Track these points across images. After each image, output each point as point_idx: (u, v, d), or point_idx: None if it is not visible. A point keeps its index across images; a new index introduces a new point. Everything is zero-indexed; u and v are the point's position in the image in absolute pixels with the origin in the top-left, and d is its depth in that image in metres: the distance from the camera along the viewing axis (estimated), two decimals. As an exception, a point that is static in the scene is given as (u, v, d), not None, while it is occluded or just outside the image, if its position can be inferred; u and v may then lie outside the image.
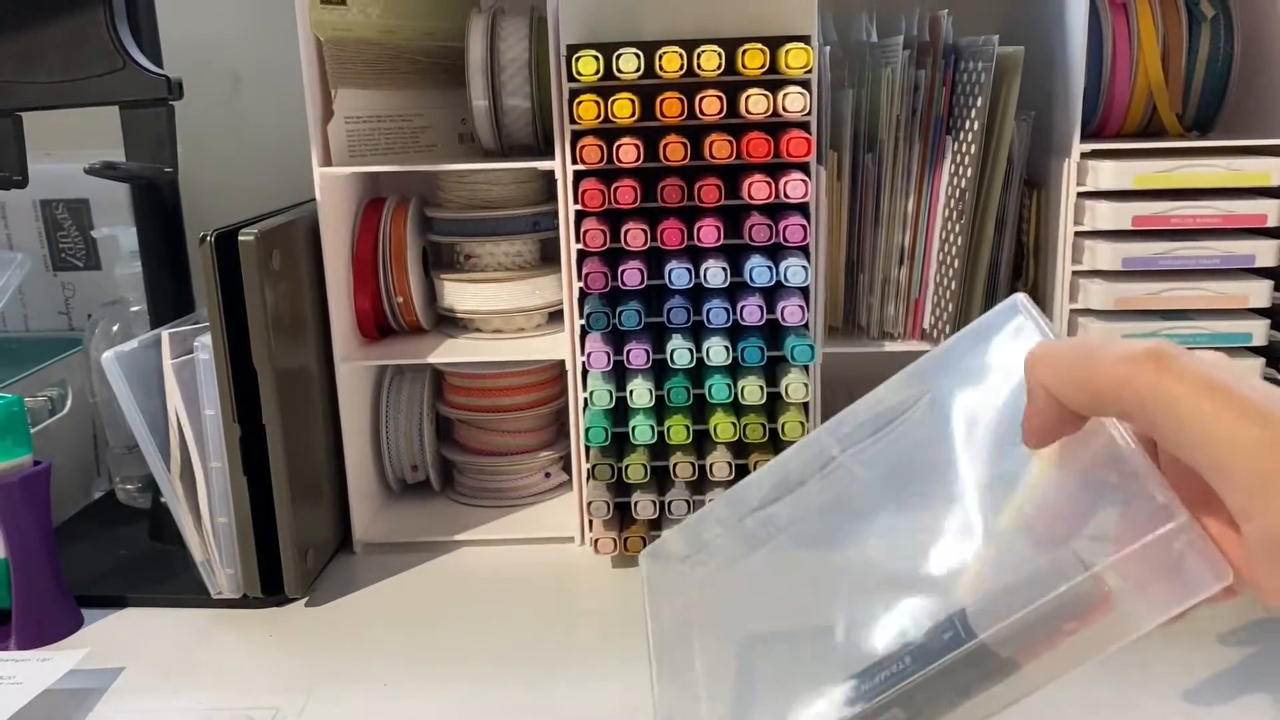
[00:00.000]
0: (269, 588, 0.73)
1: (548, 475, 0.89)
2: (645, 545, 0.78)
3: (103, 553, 0.81)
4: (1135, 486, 0.37)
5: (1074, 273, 0.77)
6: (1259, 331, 0.75)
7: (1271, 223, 0.74)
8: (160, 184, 0.79)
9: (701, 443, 0.78)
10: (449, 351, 0.82)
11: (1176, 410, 0.35)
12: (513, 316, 0.84)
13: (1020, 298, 0.46)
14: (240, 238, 0.68)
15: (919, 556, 0.43)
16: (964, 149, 0.76)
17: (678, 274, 0.72)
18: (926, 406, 0.48)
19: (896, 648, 0.40)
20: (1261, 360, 0.76)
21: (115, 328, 0.87)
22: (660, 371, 0.76)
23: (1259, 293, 0.75)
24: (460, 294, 0.83)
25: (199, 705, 0.62)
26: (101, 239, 0.94)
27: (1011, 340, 0.45)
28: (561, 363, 0.80)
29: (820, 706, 0.41)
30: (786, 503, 0.52)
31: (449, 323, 0.87)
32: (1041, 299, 0.81)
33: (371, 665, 0.66)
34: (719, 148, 0.71)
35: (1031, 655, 0.37)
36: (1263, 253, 0.74)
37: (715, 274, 0.72)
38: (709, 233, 0.72)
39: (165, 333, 0.70)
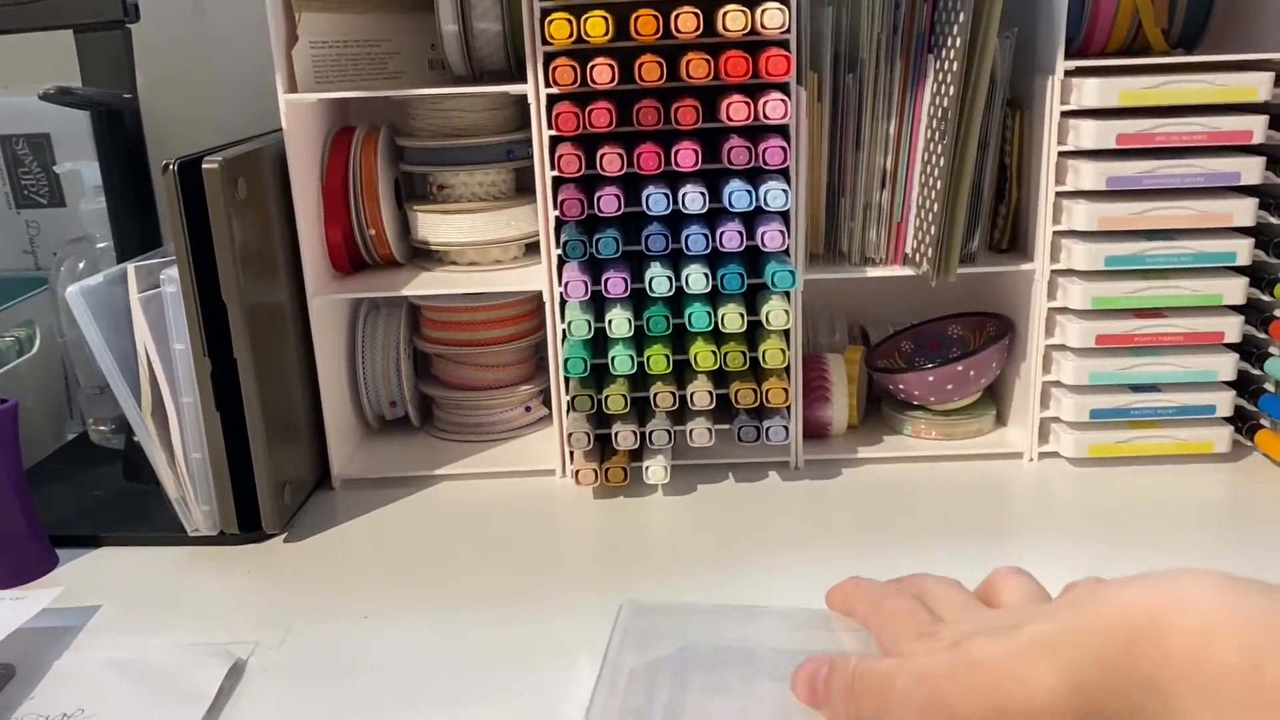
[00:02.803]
0: (246, 524, 0.72)
1: (528, 409, 0.88)
2: (626, 476, 0.78)
3: (77, 493, 0.80)
4: None
5: (1057, 193, 0.76)
6: (1243, 250, 0.75)
7: (1257, 139, 0.73)
8: (121, 112, 0.77)
9: (682, 372, 0.77)
10: (424, 285, 0.81)
11: None
12: (488, 249, 0.83)
13: None
14: (204, 165, 0.66)
15: None
16: (946, 67, 0.75)
17: (655, 200, 0.71)
18: None
19: None
20: (1245, 279, 0.76)
21: (81, 265, 0.85)
22: (639, 301, 0.75)
23: (1243, 211, 0.74)
24: (434, 226, 0.82)
25: (178, 641, 0.61)
26: (65, 174, 0.91)
27: None
28: (539, 294, 0.79)
29: None
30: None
31: (423, 256, 0.86)
32: (1024, 221, 0.80)
33: (352, 598, 0.65)
34: (696, 67, 0.69)
35: None
36: (1248, 170, 0.73)
37: (693, 199, 0.71)
38: (686, 156, 0.71)
39: (131, 266, 0.68)
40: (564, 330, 0.75)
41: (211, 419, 0.69)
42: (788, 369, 0.76)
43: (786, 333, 0.76)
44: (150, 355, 0.69)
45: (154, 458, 0.71)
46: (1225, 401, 0.78)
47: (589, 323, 0.74)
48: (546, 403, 0.88)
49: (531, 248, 0.84)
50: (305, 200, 0.77)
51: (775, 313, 0.74)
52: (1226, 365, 0.77)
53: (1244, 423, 0.79)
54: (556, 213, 0.73)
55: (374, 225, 0.81)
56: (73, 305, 0.68)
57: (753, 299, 0.76)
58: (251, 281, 0.69)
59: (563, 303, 0.76)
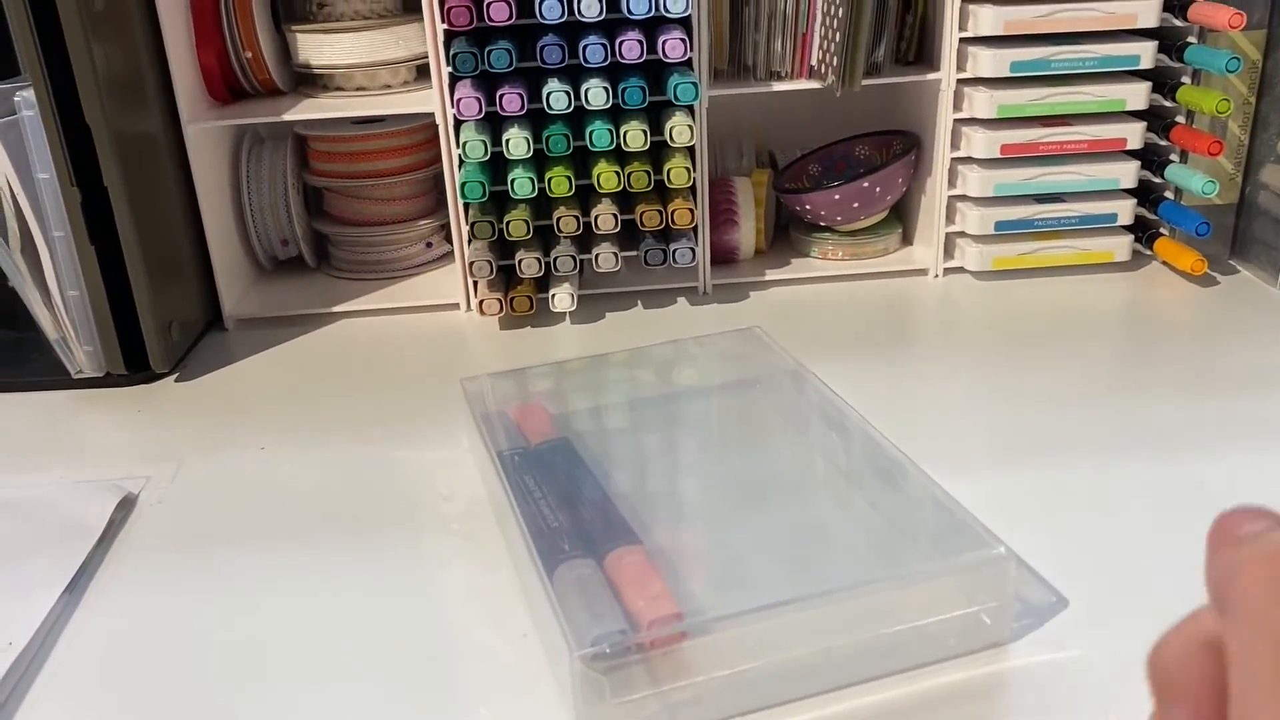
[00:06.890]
0: (134, 364, 0.69)
1: (429, 245, 0.85)
2: (532, 305, 0.76)
3: (-51, 344, 0.75)
4: None
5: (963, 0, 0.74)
6: (1146, 54, 0.74)
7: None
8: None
9: (586, 196, 0.75)
10: (308, 111, 0.76)
11: None
12: (375, 72, 0.78)
13: None
14: (52, -28, 0.60)
15: None
16: None
17: (549, 6, 0.67)
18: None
19: None
20: (1148, 85, 0.75)
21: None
22: (538, 121, 0.72)
23: (1148, 11, 0.73)
24: (315, 47, 0.77)
25: (66, 478, 0.58)
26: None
27: None
28: (433, 122, 0.75)
29: None
30: None
31: (307, 82, 0.81)
32: (932, 35, 0.78)
33: (248, 433, 0.63)
34: None
35: None
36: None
37: (590, 5, 0.67)
38: (580, -41, 0.67)
39: (-19, 90, 0.63)
40: (459, 154, 0.72)
41: (86, 253, 0.65)
42: (693, 189, 0.74)
43: (691, 150, 0.73)
44: (13, 187, 0.65)
45: (28, 297, 0.67)
46: (1126, 210, 0.78)
47: (485, 144, 0.71)
48: (450, 239, 0.85)
49: (423, 71, 0.80)
50: (173, 18, 0.71)
51: (679, 129, 0.71)
52: (1128, 172, 0.77)
53: (1144, 231, 0.79)
54: (444, 24, 0.69)
55: (250, 47, 0.75)
56: (-81, 133, 0.63)
57: (656, 117, 0.73)
58: (118, 105, 0.65)
59: (457, 125, 0.73)
